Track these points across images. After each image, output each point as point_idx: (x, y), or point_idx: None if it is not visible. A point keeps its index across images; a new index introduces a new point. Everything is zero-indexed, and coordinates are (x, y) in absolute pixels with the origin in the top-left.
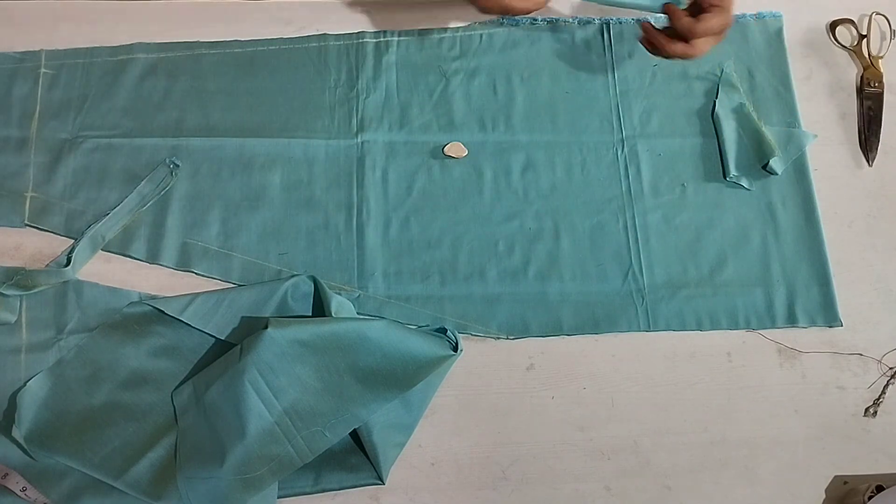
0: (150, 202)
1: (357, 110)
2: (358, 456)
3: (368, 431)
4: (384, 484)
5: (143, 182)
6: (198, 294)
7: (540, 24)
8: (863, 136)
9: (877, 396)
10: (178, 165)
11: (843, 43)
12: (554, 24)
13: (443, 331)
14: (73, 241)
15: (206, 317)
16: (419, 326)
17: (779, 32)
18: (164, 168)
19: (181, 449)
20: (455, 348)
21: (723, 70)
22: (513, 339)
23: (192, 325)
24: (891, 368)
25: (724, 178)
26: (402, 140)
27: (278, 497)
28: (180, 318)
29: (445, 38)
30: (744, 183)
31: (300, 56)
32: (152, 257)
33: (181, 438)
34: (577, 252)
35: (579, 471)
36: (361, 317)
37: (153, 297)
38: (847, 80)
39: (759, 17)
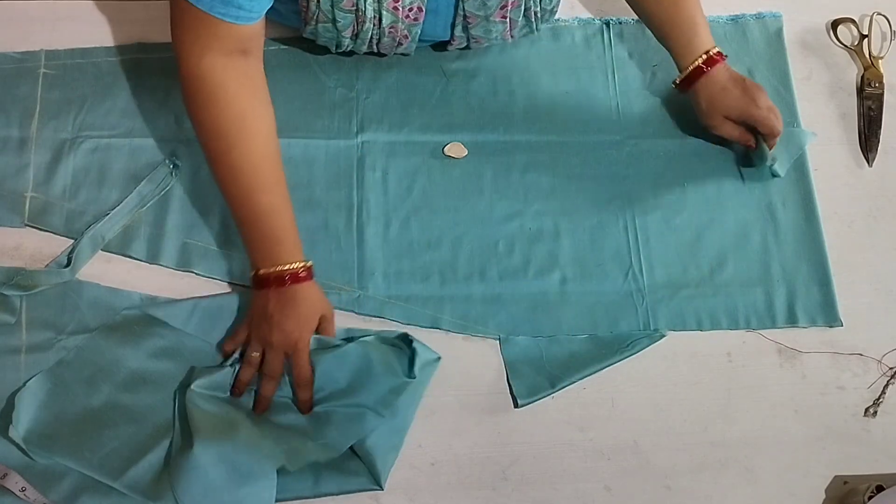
0: (151, 202)
1: (357, 110)
2: (357, 461)
3: (361, 439)
4: (383, 489)
5: (143, 182)
6: (199, 301)
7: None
8: (863, 136)
9: (877, 396)
10: (177, 166)
11: (844, 42)
12: (554, 24)
13: (407, 341)
14: (73, 241)
15: (210, 327)
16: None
17: (779, 32)
18: (164, 168)
19: (176, 447)
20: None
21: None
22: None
23: (197, 335)
24: (891, 368)
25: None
26: (402, 140)
27: (277, 500)
28: (186, 331)
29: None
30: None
31: (300, 56)
32: (152, 257)
33: (179, 438)
34: (578, 252)
35: (579, 471)
36: (340, 342)
37: (153, 299)
38: (847, 80)
39: (759, 17)
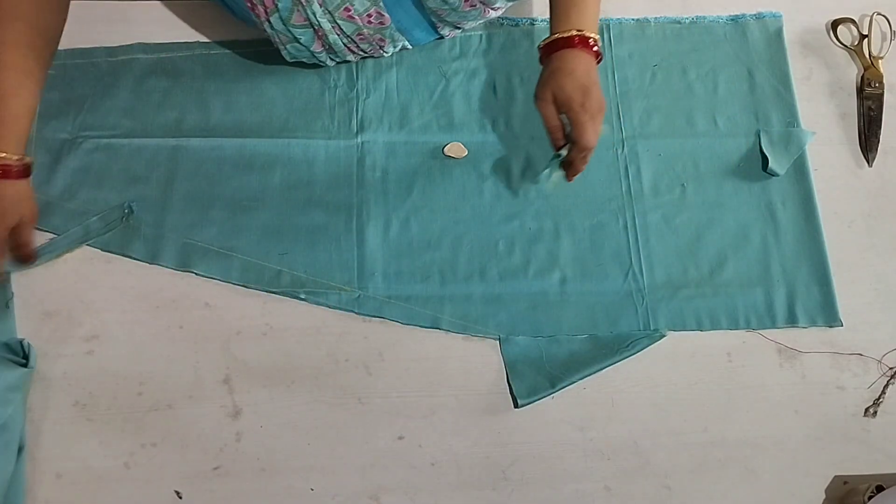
0: (94, 238)
1: (357, 110)
2: None
3: None
4: None
5: (94, 217)
6: None
7: (540, 24)
8: (863, 137)
9: (877, 396)
10: (133, 211)
11: (844, 42)
12: None
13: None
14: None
15: None
16: None
17: (779, 32)
18: (118, 210)
19: None
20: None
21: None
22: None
23: None
24: (891, 368)
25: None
26: (402, 140)
27: None
28: None
29: (445, 39)
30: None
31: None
32: (152, 257)
33: None
34: (578, 252)
35: (579, 471)
36: None
37: None
38: (847, 80)
39: (759, 17)
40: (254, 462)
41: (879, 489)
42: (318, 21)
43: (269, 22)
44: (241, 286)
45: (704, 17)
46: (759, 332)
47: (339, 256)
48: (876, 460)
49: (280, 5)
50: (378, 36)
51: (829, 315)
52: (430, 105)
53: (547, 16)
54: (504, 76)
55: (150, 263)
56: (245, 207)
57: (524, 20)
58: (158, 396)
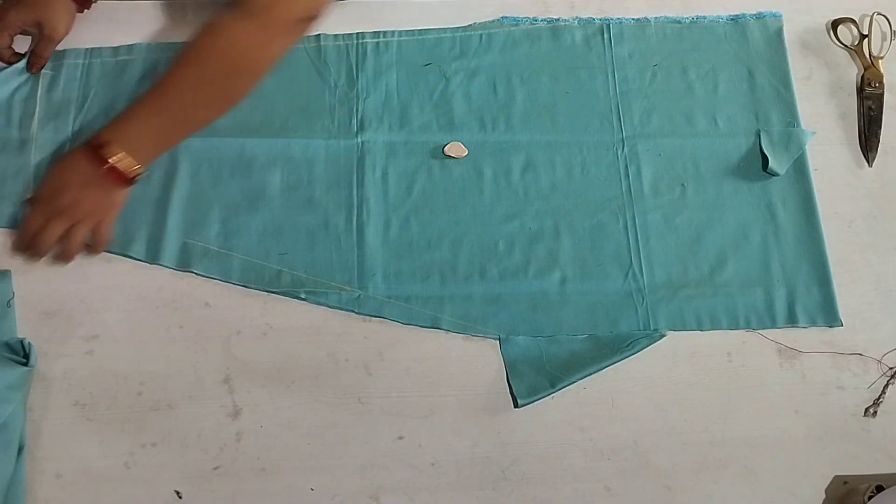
0: None
1: (357, 110)
2: None
3: None
4: None
5: None
6: None
7: (540, 24)
8: (863, 136)
9: (877, 396)
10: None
11: (844, 42)
12: (554, 24)
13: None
14: None
15: None
16: None
17: (779, 32)
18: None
19: None
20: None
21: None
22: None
23: None
24: (891, 368)
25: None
26: (402, 140)
27: None
28: None
29: (445, 38)
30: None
31: (300, 56)
32: (152, 257)
33: None
34: (578, 252)
35: (579, 471)
36: None
37: None
38: (847, 80)
39: (760, 17)
40: (254, 462)
41: (879, 489)
42: None
43: None
44: (241, 286)
45: (704, 17)
46: (759, 332)
47: (339, 256)
48: (876, 460)
49: None
50: None
51: (829, 315)
52: (430, 105)
53: (547, 15)
54: (504, 76)
55: (150, 263)
56: (245, 207)
57: (524, 20)
58: (158, 396)
